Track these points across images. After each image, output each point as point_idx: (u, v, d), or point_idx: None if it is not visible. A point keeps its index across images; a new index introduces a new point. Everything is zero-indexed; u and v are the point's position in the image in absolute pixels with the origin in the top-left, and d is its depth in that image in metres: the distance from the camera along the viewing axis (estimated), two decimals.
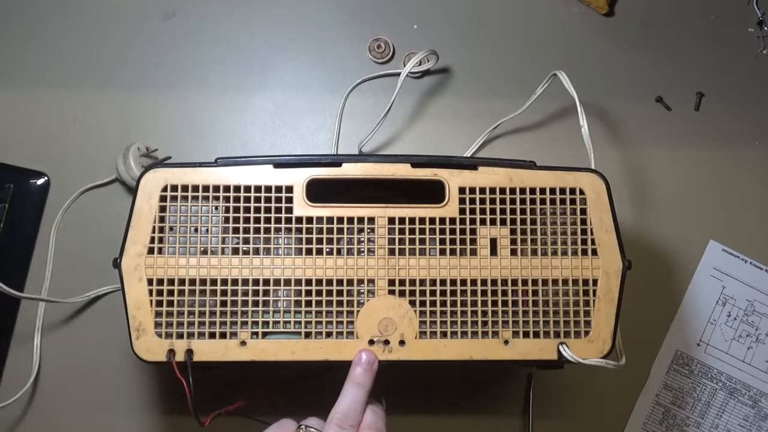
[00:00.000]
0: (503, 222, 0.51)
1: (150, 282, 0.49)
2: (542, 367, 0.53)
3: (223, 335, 0.49)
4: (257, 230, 0.50)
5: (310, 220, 0.50)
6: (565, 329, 0.50)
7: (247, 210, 0.50)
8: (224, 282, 0.49)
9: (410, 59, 0.64)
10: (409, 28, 0.70)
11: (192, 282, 0.49)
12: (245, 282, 0.49)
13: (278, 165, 0.51)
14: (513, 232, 0.51)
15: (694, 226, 0.68)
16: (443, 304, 0.50)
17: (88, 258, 0.63)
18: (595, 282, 0.51)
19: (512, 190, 0.51)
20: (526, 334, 0.50)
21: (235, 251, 0.50)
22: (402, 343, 0.50)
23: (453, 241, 0.50)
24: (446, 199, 0.51)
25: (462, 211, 0.51)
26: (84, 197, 0.65)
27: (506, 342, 0.50)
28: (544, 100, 0.64)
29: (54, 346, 0.63)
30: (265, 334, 0.49)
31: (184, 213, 0.50)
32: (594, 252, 0.51)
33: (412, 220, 0.50)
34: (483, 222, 0.51)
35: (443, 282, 0.50)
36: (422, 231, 0.50)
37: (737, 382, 0.67)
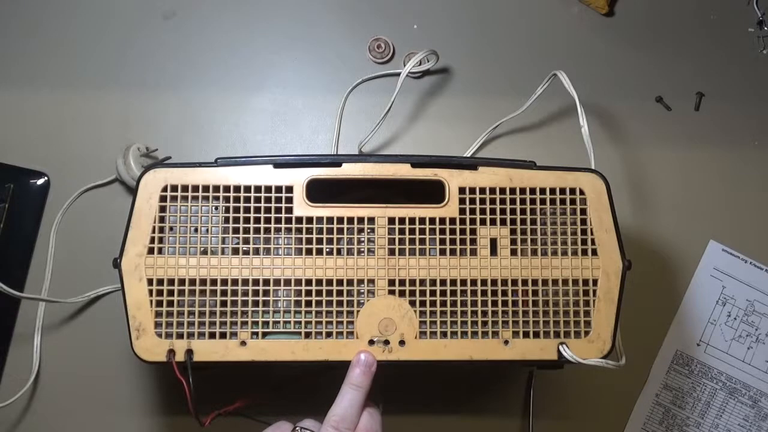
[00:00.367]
0: (503, 222, 0.51)
1: (150, 282, 0.49)
2: (542, 367, 0.53)
3: (223, 335, 0.49)
4: (257, 230, 0.50)
5: (310, 220, 0.50)
6: (565, 329, 0.50)
7: (247, 210, 0.50)
8: (224, 282, 0.49)
9: (410, 59, 0.64)
10: (409, 28, 0.70)
11: (192, 282, 0.49)
12: (245, 282, 0.49)
13: (278, 165, 0.51)
14: (513, 232, 0.51)
15: (694, 226, 0.68)
16: (443, 304, 0.50)
17: (88, 258, 0.64)
18: (595, 282, 0.51)
19: (512, 190, 0.51)
20: (526, 334, 0.50)
21: (235, 251, 0.50)
22: (402, 343, 0.50)
23: (453, 241, 0.50)
24: (446, 199, 0.51)
25: (462, 211, 0.51)
26: (84, 197, 0.65)
27: (506, 342, 0.50)
28: (544, 100, 0.64)
29: (54, 346, 0.63)
30: (265, 334, 0.49)
31: (184, 213, 0.50)
32: (594, 252, 0.51)
33: (412, 220, 0.50)
34: (483, 222, 0.51)
35: (443, 282, 0.50)
36: (422, 231, 0.50)
37: (737, 382, 0.67)
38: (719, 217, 0.69)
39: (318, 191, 0.50)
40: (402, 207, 0.50)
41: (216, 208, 0.50)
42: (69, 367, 0.63)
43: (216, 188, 0.50)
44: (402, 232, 0.50)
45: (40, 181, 0.65)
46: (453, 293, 0.50)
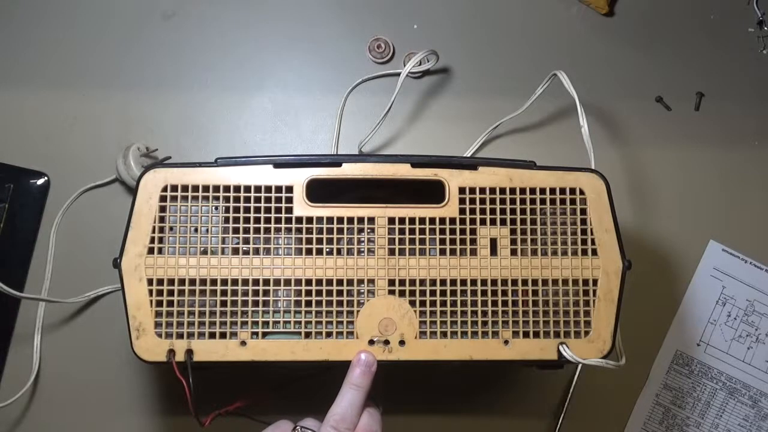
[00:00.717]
0: (503, 222, 0.51)
1: (150, 282, 0.49)
2: (542, 367, 0.53)
3: (223, 335, 0.49)
4: (257, 230, 0.50)
5: (310, 220, 0.50)
6: (565, 329, 0.50)
7: (247, 210, 0.50)
8: (224, 282, 0.49)
9: (410, 59, 0.64)
10: (409, 28, 0.70)
11: (192, 282, 0.49)
12: (245, 282, 0.49)
13: (278, 165, 0.50)
14: (513, 232, 0.51)
15: (694, 226, 0.68)
16: (443, 304, 0.50)
17: (88, 258, 0.64)
18: (595, 282, 0.51)
19: (512, 190, 0.51)
20: (526, 334, 0.50)
21: (235, 251, 0.50)
22: (402, 343, 0.50)
23: (453, 241, 0.50)
24: (446, 199, 0.51)
25: (462, 211, 0.51)
26: (84, 197, 0.65)
27: (506, 342, 0.50)
28: (544, 100, 0.64)
29: (54, 346, 0.63)
30: (265, 334, 0.49)
31: (184, 213, 0.50)
32: (594, 252, 0.51)
33: (412, 220, 0.50)
34: (483, 222, 0.51)
35: (443, 282, 0.50)
36: (422, 231, 0.50)
37: (737, 382, 0.67)
38: (719, 217, 0.69)
39: (318, 191, 0.50)
40: (402, 207, 0.50)
41: (216, 208, 0.50)
42: (69, 367, 0.63)
43: (216, 188, 0.50)
44: (402, 232, 0.50)
45: (40, 181, 0.65)
46: (453, 293, 0.50)
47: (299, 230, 0.50)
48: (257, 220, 0.50)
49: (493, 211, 0.51)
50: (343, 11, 0.70)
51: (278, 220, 0.50)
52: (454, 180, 0.51)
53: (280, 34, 0.69)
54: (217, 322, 0.49)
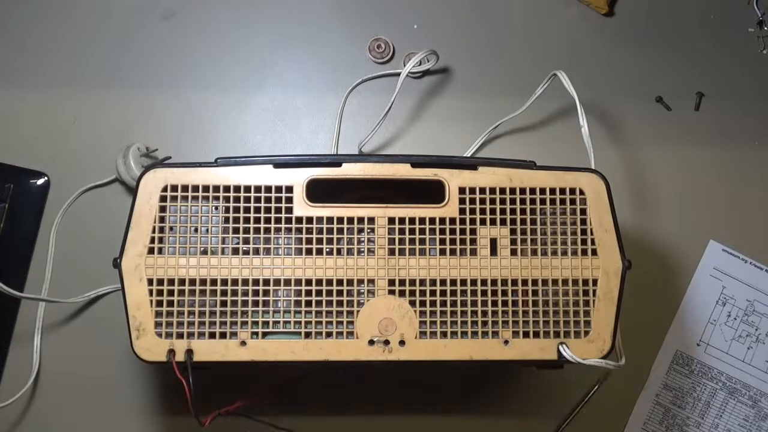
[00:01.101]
0: (503, 222, 0.51)
1: (150, 282, 0.49)
2: (542, 367, 0.53)
3: (223, 335, 0.49)
4: (257, 230, 0.50)
5: (310, 220, 0.50)
6: (565, 329, 0.50)
7: (247, 210, 0.50)
8: (224, 282, 0.49)
9: (410, 59, 0.64)
10: (409, 28, 0.70)
11: (192, 282, 0.49)
12: (245, 282, 0.49)
13: (278, 165, 0.50)
14: (513, 232, 0.51)
15: (694, 226, 0.68)
16: (443, 304, 0.50)
17: (88, 258, 0.63)
18: (595, 282, 0.51)
19: (512, 190, 0.51)
20: (526, 334, 0.50)
21: (235, 251, 0.50)
22: (402, 343, 0.50)
23: (453, 241, 0.50)
24: (446, 199, 0.51)
25: (462, 211, 0.51)
26: (84, 197, 0.65)
27: (506, 342, 0.50)
28: (544, 100, 0.64)
29: (54, 346, 0.63)
30: (265, 334, 0.49)
31: (184, 213, 0.50)
32: (594, 252, 0.51)
33: (412, 220, 0.50)
34: (483, 222, 0.51)
35: (443, 282, 0.50)
36: (422, 231, 0.50)
37: (737, 382, 0.67)
38: (719, 217, 0.69)
39: (318, 191, 0.50)
40: (402, 207, 0.50)
41: (216, 208, 0.50)
42: (69, 367, 0.63)
43: (216, 188, 0.50)
44: (402, 232, 0.50)
45: (40, 181, 0.65)
46: (453, 293, 0.50)
47: (299, 230, 0.50)
48: (257, 220, 0.50)
49: (493, 211, 0.51)
50: (343, 11, 0.70)
51: (278, 220, 0.50)
52: (454, 180, 0.51)
53: (280, 34, 0.69)
54: (217, 322, 0.49)
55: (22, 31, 0.67)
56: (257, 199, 0.50)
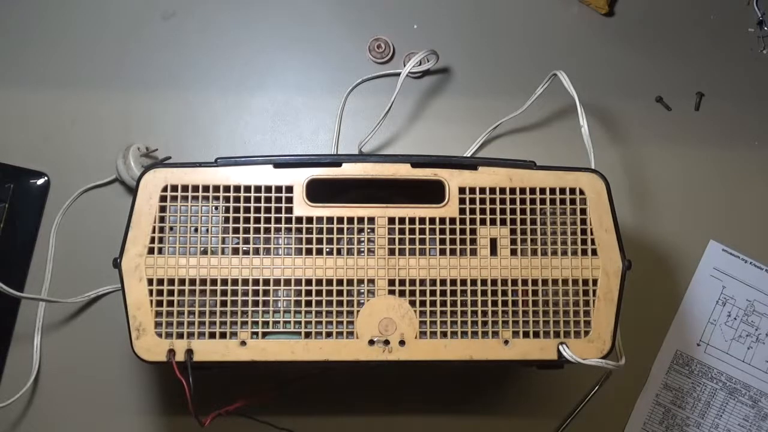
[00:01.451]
0: (503, 222, 0.51)
1: (150, 282, 0.49)
2: (542, 367, 0.53)
3: (223, 335, 0.49)
4: (257, 230, 0.50)
5: (310, 220, 0.50)
6: (565, 329, 0.50)
7: (247, 210, 0.50)
8: (224, 282, 0.49)
9: (410, 59, 0.64)
10: (409, 28, 0.70)
11: (192, 282, 0.49)
12: (245, 282, 0.49)
13: (278, 165, 0.50)
14: (513, 232, 0.51)
15: (694, 226, 0.68)
16: (443, 304, 0.50)
17: (88, 258, 0.64)
18: (595, 282, 0.51)
19: (512, 190, 0.51)
20: (526, 334, 0.50)
21: (235, 251, 0.50)
22: (402, 343, 0.50)
23: (453, 241, 0.50)
24: (446, 199, 0.51)
25: (462, 211, 0.51)
26: (84, 197, 0.65)
27: (506, 342, 0.50)
28: (544, 100, 0.64)
29: (54, 346, 0.63)
30: (265, 334, 0.49)
31: (184, 213, 0.50)
32: (594, 252, 0.51)
33: (412, 220, 0.50)
34: (483, 222, 0.51)
35: (443, 282, 0.50)
36: (422, 231, 0.50)
37: (737, 382, 0.67)
38: (719, 217, 0.69)
39: (318, 191, 0.50)
40: (402, 207, 0.50)
41: (216, 208, 0.50)
42: (69, 367, 0.63)
43: (216, 188, 0.50)
44: (402, 232, 0.50)
45: (40, 181, 0.65)
46: (453, 293, 0.50)
47: (299, 230, 0.50)
48: (257, 220, 0.50)
49: (493, 211, 0.51)
50: (343, 11, 0.70)
51: (278, 220, 0.50)
52: (454, 180, 0.51)
53: (280, 34, 0.69)
54: (217, 322, 0.49)
55: (22, 31, 0.67)
56: (257, 199, 0.50)
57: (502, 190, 0.51)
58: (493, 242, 0.51)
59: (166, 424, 0.63)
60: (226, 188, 0.50)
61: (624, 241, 0.51)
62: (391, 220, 0.50)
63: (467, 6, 0.70)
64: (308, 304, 0.50)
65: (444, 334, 0.50)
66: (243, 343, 0.49)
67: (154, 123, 0.66)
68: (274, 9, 0.69)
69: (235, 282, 0.49)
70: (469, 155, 0.67)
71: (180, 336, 0.49)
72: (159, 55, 0.68)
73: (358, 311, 0.50)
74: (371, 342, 0.50)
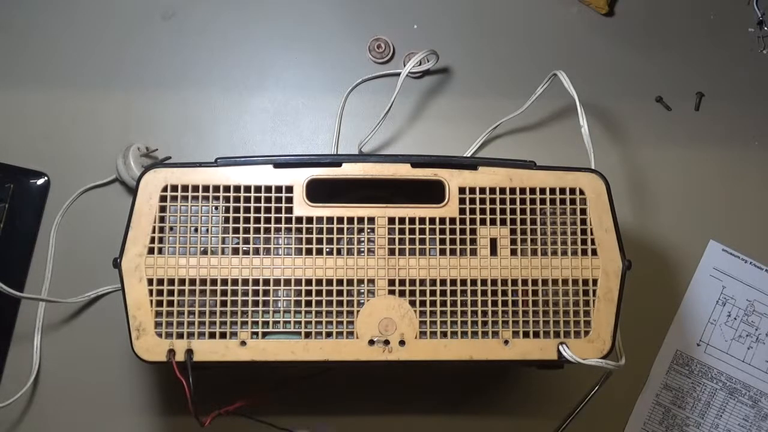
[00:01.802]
0: (503, 222, 0.51)
1: (150, 282, 0.49)
2: (542, 367, 0.53)
3: (223, 335, 0.49)
4: (257, 230, 0.50)
5: (310, 220, 0.50)
6: (565, 329, 0.50)
7: (247, 210, 0.50)
8: (224, 282, 0.49)
9: (410, 59, 0.64)
10: (409, 28, 0.70)
11: (192, 282, 0.49)
12: (245, 282, 0.49)
13: (278, 165, 0.51)
14: (513, 232, 0.51)
15: (694, 226, 0.68)
16: (443, 304, 0.50)
17: (88, 258, 0.64)
18: (594, 282, 0.51)
19: (512, 190, 0.51)
20: (526, 334, 0.50)
21: (235, 251, 0.50)
22: (402, 343, 0.50)
23: (453, 241, 0.50)
24: (446, 199, 0.51)
25: (462, 211, 0.51)
26: (84, 197, 0.65)
27: (506, 342, 0.50)
28: (544, 100, 0.64)
29: (54, 346, 0.63)
30: (265, 334, 0.49)
31: (184, 213, 0.50)
32: (594, 252, 0.51)
33: (412, 220, 0.50)
34: (483, 222, 0.51)
35: (443, 282, 0.50)
36: (422, 231, 0.50)
37: (737, 382, 0.67)
38: (719, 217, 0.69)
39: (318, 191, 0.50)
40: (402, 207, 0.50)
41: (216, 208, 0.50)
42: (69, 367, 0.63)
43: (216, 188, 0.50)
44: (402, 232, 0.50)
45: (40, 181, 0.65)
46: (453, 293, 0.50)
47: (299, 230, 0.50)
48: (257, 220, 0.50)
49: (493, 211, 0.51)
50: (343, 11, 0.70)
51: (278, 220, 0.50)
52: (454, 180, 0.51)
53: (280, 34, 0.69)
54: (217, 322, 0.49)
55: (23, 31, 0.67)
56: (257, 199, 0.50)
57: (502, 190, 0.51)
58: (493, 242, 0.51)
59: (166, 424, 0.63)
60: (226, 188, 0.50)
61: (624, 241, 0.51)
62: (391, 220, 0.50)
63: (467, 6, 0.70)
64: (308, 304, 0.50)
65: (444, 334, 0.50)
66: (243, 343, 0.49)
67: (154, 123, 0.66)
68: (273, 9, 0.69)
69: (235, 282, 0.49)
70: (469, 155, 0.67)
71: (180, 336, 0.49)
72: (159, 55, 0.68)
73: (358, 311, 0.50)
74: (371, 342, 0.50)
